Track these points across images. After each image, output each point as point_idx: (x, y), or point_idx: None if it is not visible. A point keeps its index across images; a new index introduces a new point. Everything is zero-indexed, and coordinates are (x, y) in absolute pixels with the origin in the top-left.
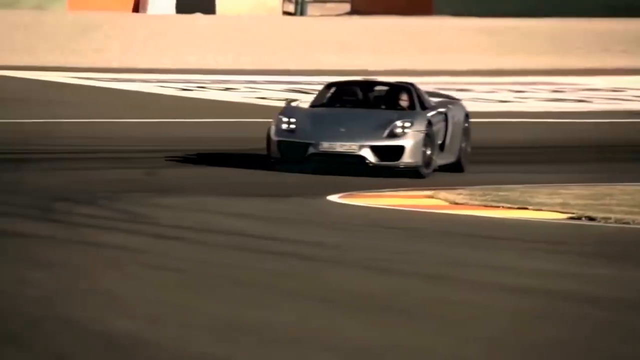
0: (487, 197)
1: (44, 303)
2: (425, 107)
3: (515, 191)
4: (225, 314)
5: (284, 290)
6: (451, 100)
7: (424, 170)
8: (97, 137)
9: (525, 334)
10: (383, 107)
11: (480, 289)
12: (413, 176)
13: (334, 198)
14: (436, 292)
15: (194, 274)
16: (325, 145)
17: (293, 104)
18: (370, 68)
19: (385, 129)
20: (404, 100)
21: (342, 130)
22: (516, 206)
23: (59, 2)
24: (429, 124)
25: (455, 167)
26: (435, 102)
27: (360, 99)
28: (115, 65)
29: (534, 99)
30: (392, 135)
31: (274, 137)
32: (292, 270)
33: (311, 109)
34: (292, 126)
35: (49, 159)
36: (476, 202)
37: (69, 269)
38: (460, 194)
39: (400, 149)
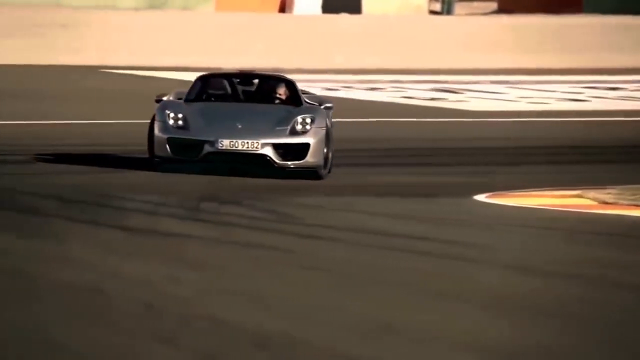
0: (638, 196)
1: (194, 302)
2: (306, 103)
3: None
4: (372, 314)
5: (431, 290)
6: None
7: (322, 172)
8: None
9: None
10: (267, 101)
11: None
12: (312, 177)
13: (481, 198)
14: (587, 294)
15: (341, 273)
16: (225, 144)
17: (165, 98)
18: (517, 66)
19: (286, 125)
20: (283, 94)
21: (240, 126)
22: None
23: (206, 4)
24: (328, 120)
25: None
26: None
27: (240, 92)
28: (260, 65)
29: None
30: (294, 132)
31: (160, 135)
32: (440, 271)
33: (198, 103)
34: (181, 122)
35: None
36: (626, 202)
37: (218, 269)
38: (609, 193)
39: (305, 147)
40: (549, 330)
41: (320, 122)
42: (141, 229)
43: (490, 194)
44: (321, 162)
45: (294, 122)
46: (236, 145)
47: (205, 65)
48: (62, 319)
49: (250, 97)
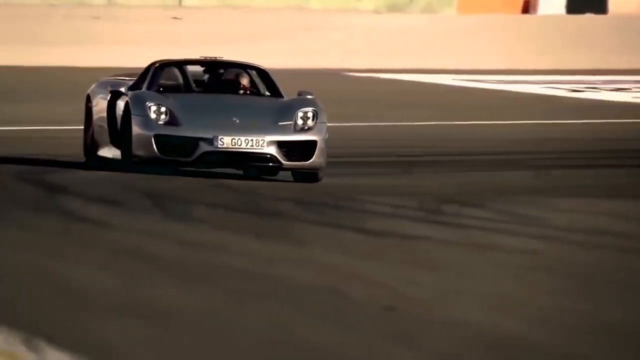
0: None
1: (433, 304)
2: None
3: None
4: (612, 320)
5: None
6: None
7: (321, 174)
8: (480, 139)
9: None
10: (242, 92)
11: None
12: (310, 180)
13: None
14: None
15: (584, 277)
16: (226, 141)
17: (122, 88)
18: None
19: (288, 119)
20: (248, 84)
21: (237, 121)
22: None
23: (449, 6)
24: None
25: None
26: None
27: (208, 81)
28: (497, 67)
29: None
30: (297, 128)
31: (142, 131)
32: None
33: (177, 94)
34: (166, 116)
35: (436, 161)
36: None
37: (456, 271)
38: None
39: (312, 146)
40: None
41: (322, 117)
42: (380, 231)
43: None
44: (325, 162)
45: (295, 116)
46: (239, 142)
47: (442, 67)
48: (303, 320)
49: (215, 88)
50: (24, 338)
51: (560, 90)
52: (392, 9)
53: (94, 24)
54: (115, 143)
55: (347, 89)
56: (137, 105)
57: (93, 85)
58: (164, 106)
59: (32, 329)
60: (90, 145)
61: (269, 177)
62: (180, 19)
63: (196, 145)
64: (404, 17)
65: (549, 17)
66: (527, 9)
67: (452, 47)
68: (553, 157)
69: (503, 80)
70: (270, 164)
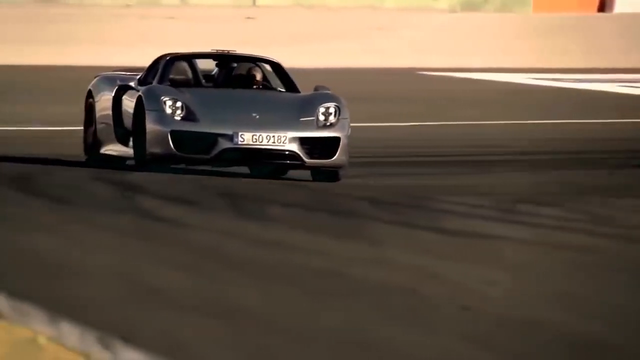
0: None
1: (509, 304)
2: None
3: None
4: None
5: None
6: None
7: (342, 173)
8: (554, 138)
9: None
10: (255, 87)
11: None
12: (330, 179)
13: None
14: None
15: None
16: (247, 138)
17: (131, 83)
18: None
19: (309, 115)
20: (264, 79)
21: (257, 116)
22: None
23: (524, 5)
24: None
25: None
26: None
27: (218, 76)
28: (573, 65)
29: None
30: (320, 124)
31: (159, 127)
32: None
33: (191, 89)
34: (182, 112)
35: (510, 160)
36: None
37: (532, 271)
38: None
39: (335, 143)
40: None
41: (344, 112)
42: (457, 230)
43: None
44: (347, 161)
45: (317, 111)
46: (260, 139)
47: (516, 66)
48: (378, 319)
49: (227, 83)
50: (98, 337)
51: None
52: (467, 7)
53: (168, 24)
54: (121, 140)
55: (421, 88)
56: (151, 100)
57: (94, 80)
58: (179, 101)
59: (108, 328)
60: (92, 143)
61: (342, 177)
62: (254, 18)
63: (215, 142)
64: (478, 16)
65: (626, 15)
66: (602, 7)
67: (527, 45)
68: (629, 156)
69: (580, 79)
70: (292, 162)
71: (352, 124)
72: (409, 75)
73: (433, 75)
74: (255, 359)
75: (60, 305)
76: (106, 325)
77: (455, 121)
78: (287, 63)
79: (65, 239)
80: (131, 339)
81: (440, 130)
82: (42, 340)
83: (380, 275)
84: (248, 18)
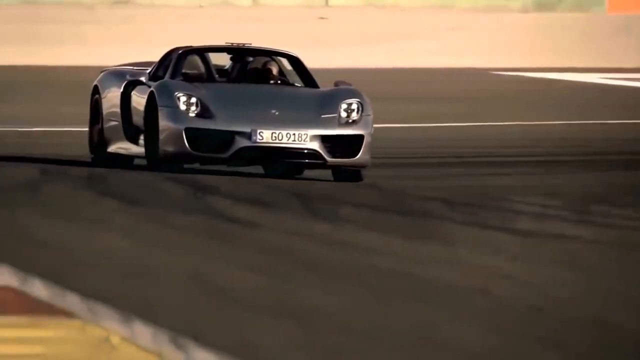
0: None
1: (579, 304)
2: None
3: None
4: None
5: None
6: None
7: (364, 173)
8: (625, 138)
9: None
10: (272, 82)
11: None
12: (352, 180)
13: None
14: None
15: None
16: (266, 135)
17: (142, 78)
18: None
19: (331, 111)
20: (277, 74)
21: (276, 113)
22: None
23: (599, 5)
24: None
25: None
26: None
27: (232, 70)
28: None
29: None
30: (342, 121)
31: (173, 124)
32: None
33: (206, 84)
34: (197, 108)
35: (581, 160)
36: None
37: (604, 271)
38: None
39: (358, 141)
40: None
41: (368, 109)
42: (529, 231)
43: None
44: (370, 160)
45: (339, 108)
46: (280, 137)
47: (591, 66)
48: (449, 320)
49: (241, 77)
50: (171, 337)
51: None
52: (541, 7)
53: (240, 25)
54: (130, 138)
55: (493, 88)
56: (164, 96)
57: (100, 76)
58: (194, 96)
59: (180, 328)
60: (98, 141)
61: (414, 178)
62: (326, 18)
63: (232, 140)
64: (552, 16)
65: None
66: None
67: (602, 45)
68: None
69: None
70: (313, 161)
71: (422, 125)
72: (482, 75)
73: (505, 75)
74: (325, 359)
75: (133, 305)
76: (178, 325)
77: (527, 121)
78: (359, 63)
79: (138, 239)
80: (203, 339)
81: (511, 130)
82: (115, 339)
83: (451, 275)
84: (321, 18)
